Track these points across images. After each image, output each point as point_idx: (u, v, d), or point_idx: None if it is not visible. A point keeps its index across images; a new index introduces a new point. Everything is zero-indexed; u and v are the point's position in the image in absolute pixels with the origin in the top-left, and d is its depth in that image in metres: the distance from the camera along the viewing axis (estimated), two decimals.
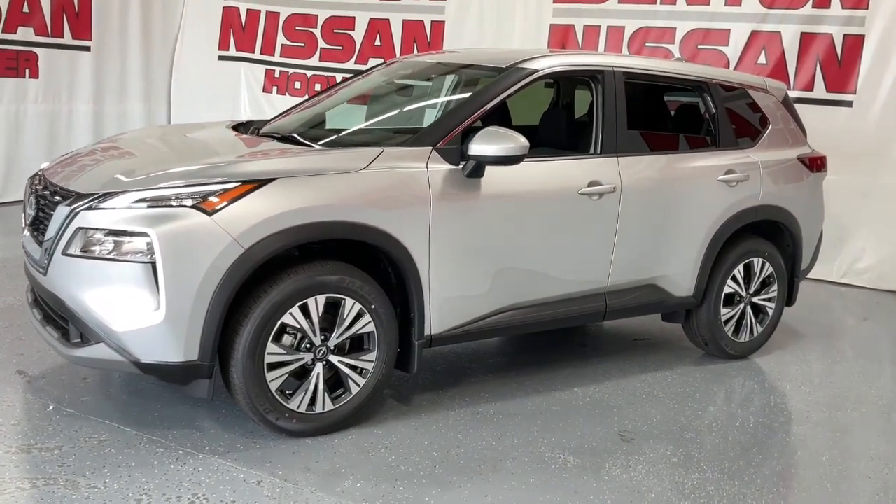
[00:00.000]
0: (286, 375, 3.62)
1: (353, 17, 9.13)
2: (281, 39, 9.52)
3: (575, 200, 4.31)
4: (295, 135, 4.30)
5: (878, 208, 7.13)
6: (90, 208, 3.43)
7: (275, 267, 3.58)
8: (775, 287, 5.21)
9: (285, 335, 3.61)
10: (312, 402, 3.70)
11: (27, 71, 8.62)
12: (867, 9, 6.99)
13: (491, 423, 4.05)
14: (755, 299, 5.16)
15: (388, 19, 8.94)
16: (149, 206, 3.38)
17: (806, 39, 7.22)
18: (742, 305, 5.11)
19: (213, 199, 3.39)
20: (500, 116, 5.01)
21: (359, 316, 3.72)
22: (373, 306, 3.74)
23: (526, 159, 3.98)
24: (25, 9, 8.45)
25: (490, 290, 4.10)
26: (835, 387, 4.95)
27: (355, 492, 3.34)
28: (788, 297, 5.37)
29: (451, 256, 3.93)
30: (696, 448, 3.96)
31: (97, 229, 3.40)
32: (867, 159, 7.04)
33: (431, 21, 8.75)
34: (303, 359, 3.65)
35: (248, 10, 9.69)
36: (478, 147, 3.87)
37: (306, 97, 6.15)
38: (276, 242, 3.46)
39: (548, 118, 5.18)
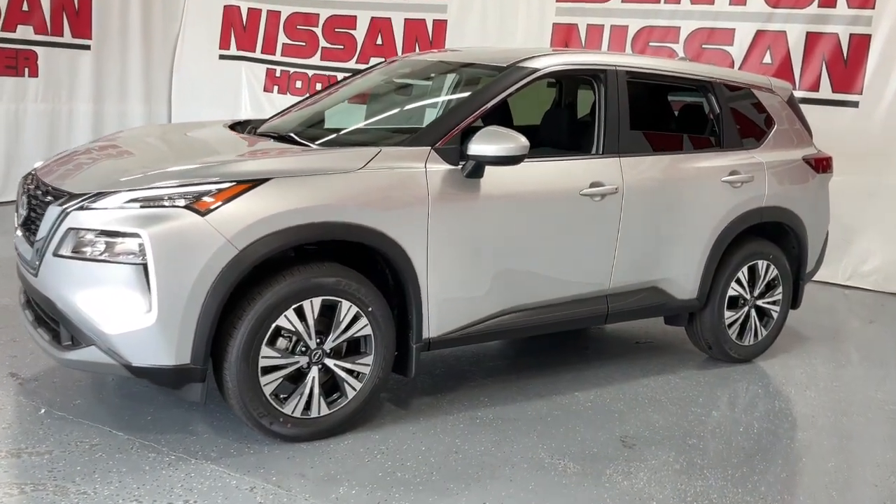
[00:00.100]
0: (281, 379, 3.56)
1: (355, 16, 9.06)
2: (282, 38, 9.46)
3: (576, 201, 4.24)
4: (292, 134, 4.23)
5: (885, 209, 7.05)
6: (81, 208, 3.37)
7: (270, 268, 3.51)
8: (780, 290, 5.14)
9: (280, 338, 3.54)
10: (308, 406, 3.63)
11: (26, 70, 8.57)
12: (874, 8, 6.91)
13: (490, 428, 3.98)
14: (760, 302, 5.09)
15: (390, 18, 8.87)
16: (141, 207, 3.32)
17: (812, 39, 7.14)
18: (746, 308, 5.03)
19: (206, 199, 3.33)
20: (501, 116, 4.94)
21: (355, 319, 3.65)
22: (370, 309, 3.67)
23: (526, 159, 3.91)
24: (25, 7, 8.39)
25: (489, 292, 4.03)
26: (840, 391, 4.87)
27: (350, 499, 3.27)
28: (793, 300, 5.29)
29: (450, 258, 3.86)
30: (698, 454, 3.88)
31: (88, 230, 3.34)
32: (873, 160, 6.96)
33: (433, 20, 8.68)
34: (298, 362, 3.58)
35: (249, 8, 9.62)
36: (477, 147, 3.80)
37: (305, 96, 6.07)
38: (270, 244, 3.39)
39: (549, 118, 5.11)
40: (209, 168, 3.48)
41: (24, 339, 4.48)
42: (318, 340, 3.59)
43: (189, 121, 8.40)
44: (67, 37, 8.81)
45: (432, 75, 5.08)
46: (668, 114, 5.45)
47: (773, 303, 5.14)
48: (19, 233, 3.84)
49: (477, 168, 3.85)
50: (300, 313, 3.52)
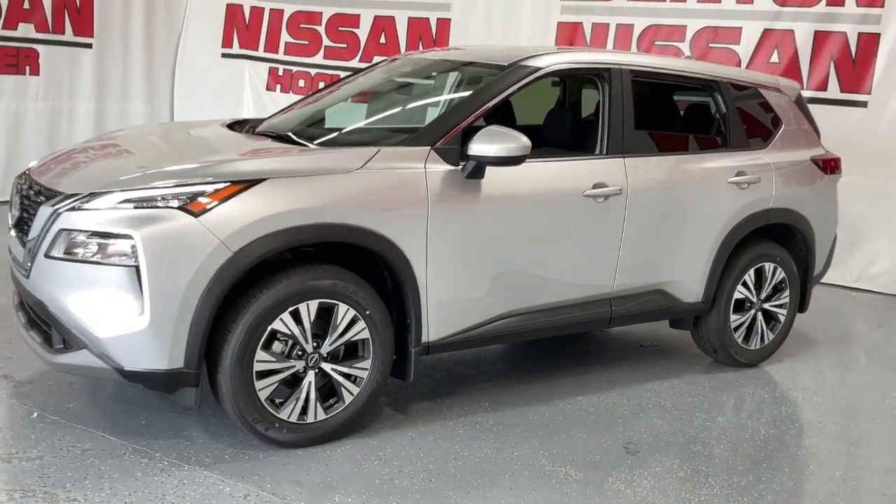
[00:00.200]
0: (276, 384, 3.48)
1: (358, 15, 8.98)
2: (285, 37, 9.39)
3: (579, 203, 4.16)
4: (290, 133, 4.16)
5: (893, 211, 6.95)
6: (73, 209, 3.30)
7: (266, 270, 3.44)
8: (787, 293, 5.05)
9: (276, 342, 3.47)
10: (304, 411, 3.55)
11: (27, 68, 8.51)
12: (883, 7, 6.81)
13: (490, 433, 3.90)
14: (766, 305, 5.00)
15: (394, 17, 8.79)
16: (135, 207, 3.25)
17: (819, 38, 7.04)
18: (753, 312, 4.95)
19: (200, 200, 3.25)
20: (503, 115, 4.86)
21: (353, 322, 3.58)
22: (367, 312, 3.60)
23: (528, 160, 3.83)
24: (26, 5, 8.34)
25: (490, 295, 3.95)
26: (848, 396, 4.79)
27: None
28: (801, 304, 5.20)
29: (450, 260, 3.78)
30: (703, 462, 3.80)
31: (80, 231, 3.27)
32: (882, 160, 6.86)
33: (437, 18, 8.60)
34: (294, 366, 3.51)
35: (251, 7, 9.55)
36: (478, 147, 3.73)
37: (304, 95, 6.00)
38: (265, 245, 3.32)
39: (552, 117, 5.02)
40: (203, 168, 3.41)
41: (20, 341, 4.38)
42: (314, 344, 3.52)
43: (191, 119, 8.35)
44: (69, 35, 8.75)
45: (433, 74, 5.00)
46: (674, 113, 5.36)
47: (780, 306, 5.05)
48: (12, 233, 3.77)
49: (478, 168, 3.77)
50: (296, 316, 3.45)
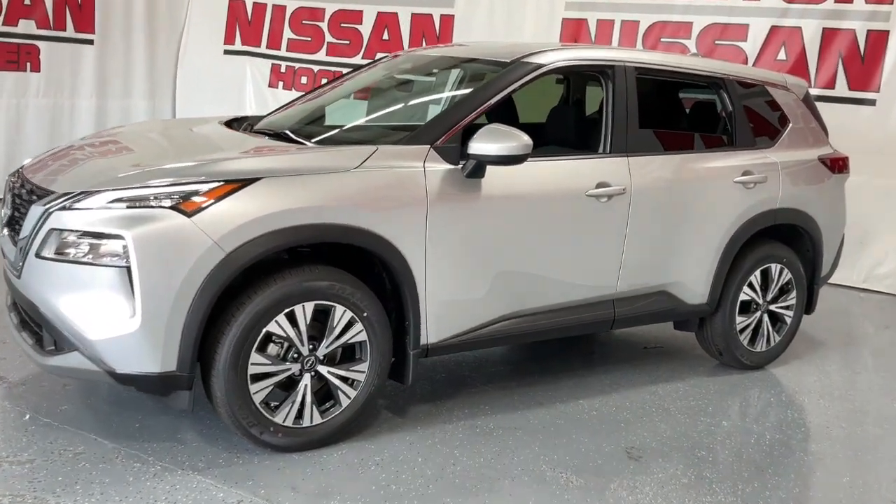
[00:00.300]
0: (271, 387, 3.41)
1: (361, 11, 8.91)
2: (287, 33, 9.33)
3: (582, 202, 4.08)
4: (287, 132, 4.09)
5: None
6: (64, 208, 3.24)
7: (261, 271, 3.37)
8: (794, 294, 4.96)
9: (271, 344, 3.40)
10: (300, 415, 3.48)
11: (28, 64, 8.47)
12: (892, 4, 6.72)
13: (490, 437, 3.83)
14: (772, 307, 4.91)
15: (397, 13, 8.72)
16: (127, 207, 3.18)
17: (828, 35, 6.94)
18: (759, 313, 4.86)
19: (193, 199, 3.18)
20: (505, 113, 4.78)
21: (350, 324, 3.51)
22: (365, 314, 3.52)
23: (530, 159, 3.76)
24: (27, 1, 8.29)
25: (490, 297, 3.88)
26: (855, 400, 4.70)
27: None
28: (807, 305, 5.11)
29: (450, 261, 3.70)
30: (708, 467, 3.72)
31: (71, 231, 3.20)
32: (891, 160, 6.76)
33: (440, 15, 8.53)
34: (289, 369, 3.44)
35: (254, 3, 9.48)
36: (478, 146, 3.65)
37: (304, 92, 5.91)
38: (260, 246, 3.25)
39: (555, 115, 4.95)
40: (197, 167, 3.34)
41: (14, 342, 4.35)
42: (310, 347, 3.45)
43: (193, 116, 8.29)
44: (70, 31, 8.71)
45: (434, 71, 4.93)
46: (679, 112, 5.28)
47: (787, 308, 4.97)
48: (5, 232, 3.71)
49: (478, 168, 3.69)
50: (292, 318, 3.38)
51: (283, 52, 9.36)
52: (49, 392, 3.96)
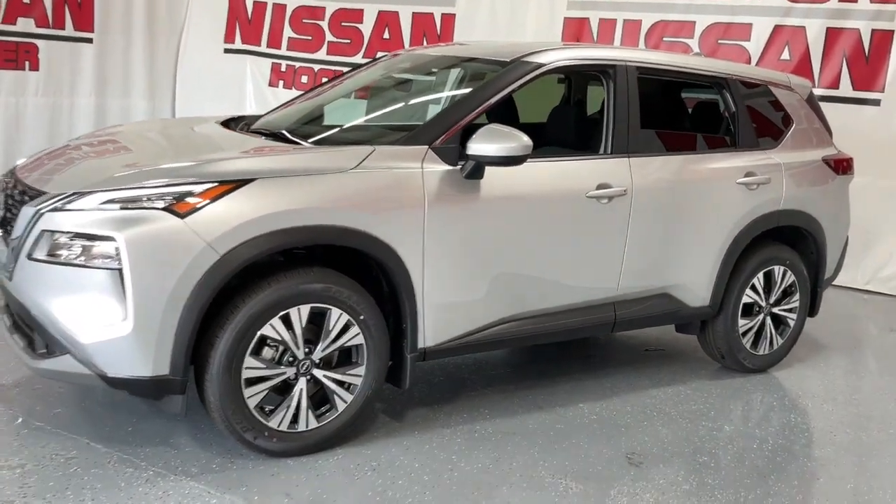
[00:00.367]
0: (266, 391, 3.36)
1: (362, 10, 8.86)
2: (287, 32, 9.27)
3: (582, 204, 4.02)
4: (284, 131, 4.03)
5: None
6: (56, 209, 3.18)
7: (256, 273, 3.32)
8: (797, 297, 4.90)
9: (266, 348, 3.34)
10: (295, 419, 3.43)
11: (27, 63, 8.42)
12: None
13: (489, 442, 3.77)
14: (775, 310, 4.86)
15: (397, 12, 8.67)
16: (120, 208, 3.13)
17: (832, 35, 6.88)
18: (761, 316, 4.80)
19: (186, 200, 3.13)
20: (506, 113, 4.72)
21: (346, 327, 3.45)
22: (361, 317, 3.47)
23: (530, 160, 3.70)
24: None
25: (489, 299, 3.82)
26: (860, 404, 4.64)
27: None
28: (811, 308, 5.05)
29: (448, 264, 3.65)
30: (709, 473, 3.67)
31: (63, 232, 3.15)
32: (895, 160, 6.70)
33: (441, 14, 8.47)
34: (284, 373, 3.38)
35: (254, 2, 9.43)
36: (477, 146, 3.59)
37: (302, 92, 5.86)
38: (254, 248, 3.19)
39: (556, 116, 4.89)
40: (191, 168, 3.28)
41: (7, 344, 4.31)
42: (306, 350, 3.40)
43: (193, 116, 8.24)
44: (69, 30, 8.66)
45: (434, 70, 4.87)
46: (681, 112, 5.22)
47: (790, 310, 4.91)
48: None
49: (477, 168, 3.64)
50: (287, 322, 3.32)
51: (283, 51, 9.31)
52: (43, 395, 3.91)
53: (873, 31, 6.74)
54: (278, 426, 3.39)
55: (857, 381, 5.06)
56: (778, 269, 4.79)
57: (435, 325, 3.67)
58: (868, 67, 6.80)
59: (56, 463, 3.32)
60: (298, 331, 3.35)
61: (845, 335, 5.85)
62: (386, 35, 8.74)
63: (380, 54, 8.32)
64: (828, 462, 3.91)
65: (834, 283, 5.41)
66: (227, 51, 9.60)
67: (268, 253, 3.25)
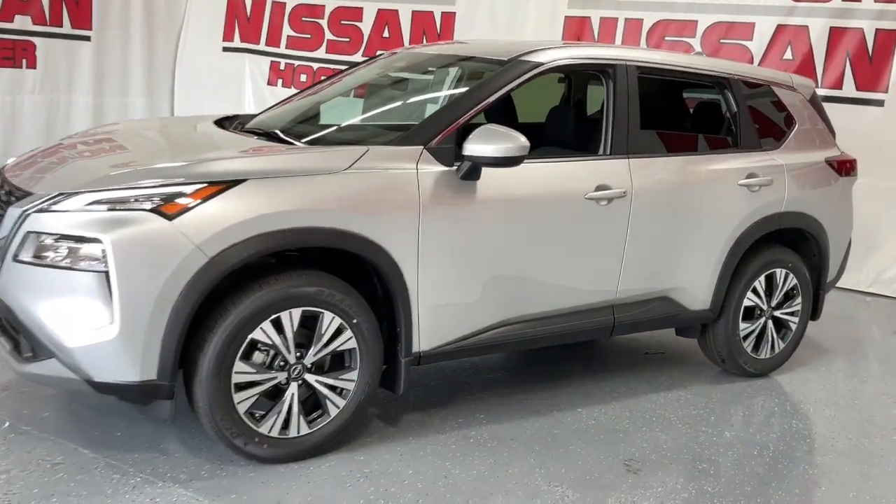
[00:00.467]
0: (257, 396, 3.29)
1: (361, 8, 8.79)
2: (287, 30, 9.20)
3: (581, 206, 3.95)
4: (277, 131, 3.96)
5: None
6: (42, 210, 3.12)
7: (248, 276, 3.25)
8: (799, 300, 4.83)
9: (256, 352, 3.28)
10: (286, 425, 3.36)
11: (24, 61, 8.37)
12: None
13: (484, 448, 3.70)
14: (777, 313, 4.78)
15: (397, 10, 8.60)
16: (108, 210, 3.06)
17: (835, 34, 6.80)
18: (763, 320, 4.73)
19: (174, 201, 3.06)
20: (504, 113, 4.67)
21: (339, 331, 3.38)
22: (355, 321, 3.40)
23: (527, 160, 3.63)
24: None
25: (485, 303, 3.75)
26: (862, 410, 4.56)
27: None
28: (813, 311, 4.98)
29: (443, 266, 3.58)
30: (709, 481, 3.59)
31: (49, 234, 3.09)
32: None
33: (441, 12, 8.40)
34: (275, 378, 3.31)
35: None
36: (473, 147, 3.52)
37: (297, 91, 5.79)
38: (244, 251, 3.12)
39: (554, 116, 4.82)
40: (180, 168, 3.22)
41: None
42: (297, 354, 3.33)
43: (191, 115, 8.18)
44: (67, 27, 8.61)
45: (430, 69, 4.80)
46: (682, 112, 5.15)
47: (792, 314, 4.83)
48: None
49: (473, 169, 3.57)
50: (278, 325, 3.26)
51: (282, 50, 9.24)
52: (31, 398, 3.85)
53: (877, 30, 6.66)
54: (269, 432, 3.32)
55: (859, 385, 4.98)
56: (780, 272, 4.72)
57: (430, 329, 3.60)
58: (872, 67, 6.72)
59: (42, 469, 3.25)
60: (290, 335, 3.29)
61: (848, 338, 5.77)
62: (386, 33, 8.67)
63: (379, 53, 8.28)
64: (829, 469, 3.84)
65: (837, 285, 5.33)
66: (225, 49, 9.54)
67: (258, 255, 3.18)
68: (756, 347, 4.75)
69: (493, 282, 3.75)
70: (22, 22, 8.26)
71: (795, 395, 4.68)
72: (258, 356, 3.28)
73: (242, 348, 3.20)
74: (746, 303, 4.64)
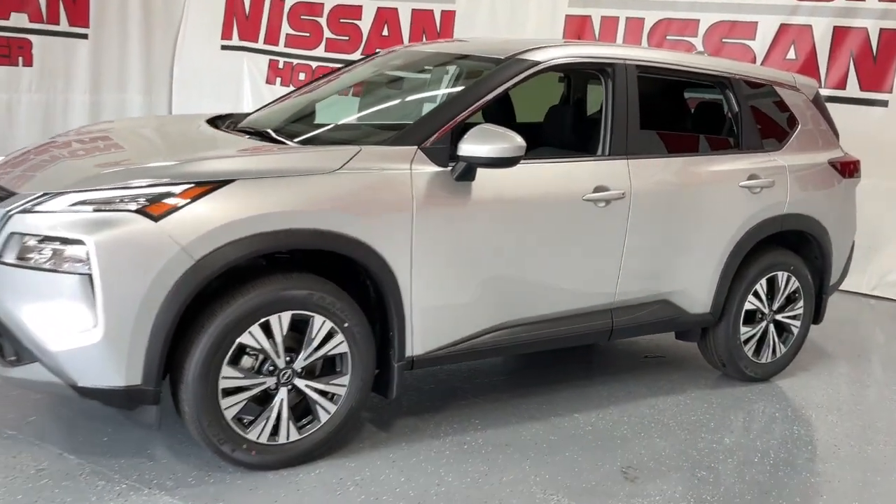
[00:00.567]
0: (245, 402, 3.22)
1: (360, 6, 8.72)
2: (285, 29, 9.14)
3: (579, 207, 3.87)
4: (269, 131, 3.89)
5: None
6: (25, 211, 3.05)
7: (237, 278, 3.18)
8: (801, 303, 4.75)
9: (244, 356, 3.20)
10: (275, 431, 3.29)
11: (20, 59, 8.31)
12: None
13: (479, 455, 3.63)
14: (779, 317, 4.70)
15: (397, 8, 8.53)
16: (94, 210, 2.99)
17: (839, 34, 6.72)
18: (764, 323, 4.65)
19: (160, 202, 2.99)
20: (502, 112, 4.59)
21: (330, 335, 3.31)
22: (346, 325, 3.33)
23: (524, 161, 3.56)
24: None
25: (480, 306, 3.68)
26: (865, 415, 4.48)
27: None
28: (815, 315, 4.90)
29: (437, 269, 3.51)
30: (708, 490, 3.52)
31: (32, 235, 3.01)
32: None
33: (441, 10, 8.33)
34: (264, 383, 3.24)
35: None
36: (468, 147, 3.45)
37: (292, 89, 5.73)
38: (232, 253, 3.05)
39: (553, 115, 4.74)
40: (166, 168, 3.15)
41: None
42: (287, 359, 3.26)
43: (188, 113, 8.12)
44: (64, 25, 8.55)
45: (427, 68, 4.72)
46: (683, 112, 5.07)
47: (794, 317, 4.75)
48: None
49: (468, 170, 3.49)
50: (267, 329, 3.18)
51: (281, 48, 9.17)
52: (17, 401, 3.78)
53: (881, 30, 6.58)
54: (257, 438, 3.25)
55: (862, 390, 4.90)
56: (781, 275, 4.64)
57: (423, 333, 3.53)
58: (876, 67, 6.64)
59: (25, 475, 3.18)
60: (279, 339, 3.22)
61: (851, 342, 5.69)
62: (385, 32, 8.60)
63: (376, 51, 8.21)
64: (831, 477, 3.76)
65: (840, 288, 5.25)
66: (224, 47, 9.48)
67: (247, 258, 3.11)
68: (757, 351, 4.67)
69: (488, 285, 3.67)
70: (18, 19, 8.21)
71: (797, 401, 4.60)
72: (247, 361, 3.21)
73: (230, 353, 3.13)
74: (747, 306, 4.56)
